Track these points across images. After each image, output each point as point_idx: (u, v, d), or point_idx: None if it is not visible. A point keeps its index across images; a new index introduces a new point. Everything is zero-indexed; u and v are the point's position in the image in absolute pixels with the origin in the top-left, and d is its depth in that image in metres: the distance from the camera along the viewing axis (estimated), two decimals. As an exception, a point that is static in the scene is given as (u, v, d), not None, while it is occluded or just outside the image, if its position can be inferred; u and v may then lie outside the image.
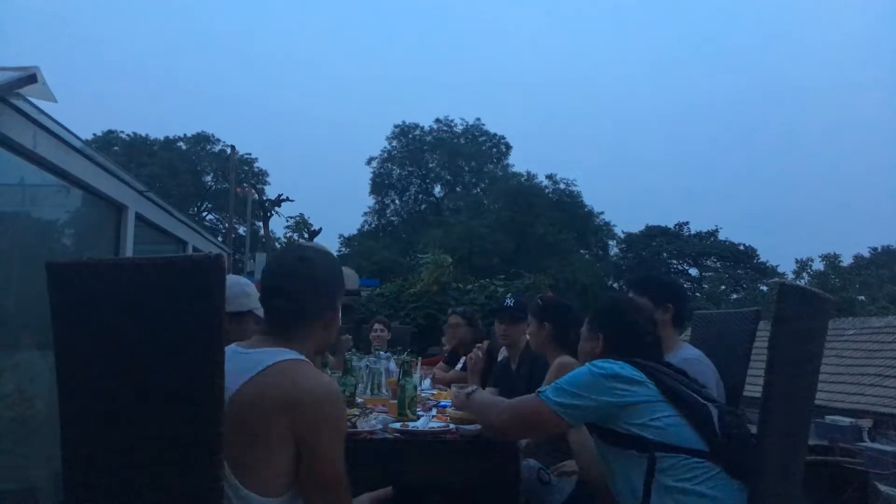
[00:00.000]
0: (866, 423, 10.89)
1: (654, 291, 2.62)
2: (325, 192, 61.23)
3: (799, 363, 1.90)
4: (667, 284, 2.79)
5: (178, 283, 1.36)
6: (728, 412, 1.92)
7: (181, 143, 40.70)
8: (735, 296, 37.45)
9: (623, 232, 41.27)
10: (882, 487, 4.53)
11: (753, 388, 2.99)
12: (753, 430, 1.81)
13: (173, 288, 1.36)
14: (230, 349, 1.54)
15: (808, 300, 1.91)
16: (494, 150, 41.52)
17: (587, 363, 1.99)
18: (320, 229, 26.45)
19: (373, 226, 42.08)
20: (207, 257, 1.36)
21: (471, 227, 32.98)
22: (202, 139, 41.58)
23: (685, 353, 2.60)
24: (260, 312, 1.91)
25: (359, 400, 3.22)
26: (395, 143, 42.06)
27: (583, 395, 1.88)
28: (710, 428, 1.84)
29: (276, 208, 29.31)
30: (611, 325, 2.19)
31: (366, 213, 42.54)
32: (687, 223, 40.97)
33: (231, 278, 2.55)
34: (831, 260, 40.34)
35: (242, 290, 2.45)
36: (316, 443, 1.53)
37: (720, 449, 1.81)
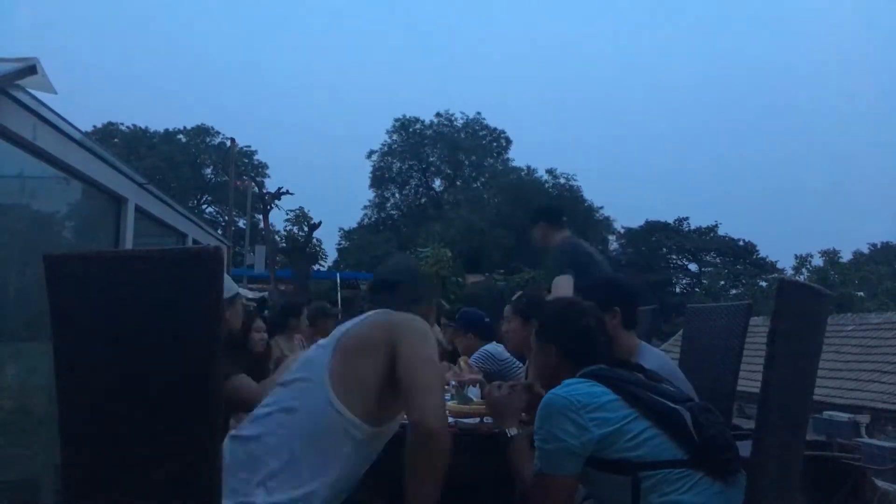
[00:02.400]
0: (864, 418, 10.92)
1: (600, 296, 2.60)
2: (325, 185, 61.09)
3: (797, 359, 1.90)
4: (611, 287, 2.75)
5: (176, 276, 1.36)
6: (701, 410, 1.89)
7: (181, 136, 40.61)
8: (734, 291, 37.41)
9: (623, 227, 41.28)
10: (879, 483, 4.54)
11: (748, 382, 2.99)
12: (749, 424, 1.81)
13: (171, 280, 1.36)
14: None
15: (807, 296, 1.92)
16: (495, 144, 41.45)
17: (547, 398, 1.90)
18: (320, 223, 26.39)
19: (373, 219, 42.02)
20: (206, 249, 1.36)
21: (471, 221, 32.97)
22: (202, 131, 41.50)
23: (647, 355, 2.58)
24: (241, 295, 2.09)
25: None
26: (395, 136, 42.01)
27: (566, 441, 1.82)
28: (686, 434, 1.81)
29: (276, 201, 29.30)
30: (562, 334, 2.13)
31: (366, 207, 42.52)
32: (687, 218, 40.95)
33: None
34: (830, 256, 40.31)
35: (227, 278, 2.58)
36: (409, 349, 1.80)
37: (699, 454, 1.79)
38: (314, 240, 29.96)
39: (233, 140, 28.30)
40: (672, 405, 1.86)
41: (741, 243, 39.91)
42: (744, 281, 38.34)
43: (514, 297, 3.92)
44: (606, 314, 2.55)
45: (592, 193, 46.21)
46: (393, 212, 42.69)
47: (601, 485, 1.89)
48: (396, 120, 42.00)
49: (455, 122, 41.74)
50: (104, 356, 1.41)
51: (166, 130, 40.13)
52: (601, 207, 39.49)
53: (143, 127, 39.25)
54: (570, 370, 2.05)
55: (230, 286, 2.59)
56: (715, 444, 1.82)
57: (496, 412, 2.27)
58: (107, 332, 1.40)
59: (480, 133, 41.20)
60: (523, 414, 2.32)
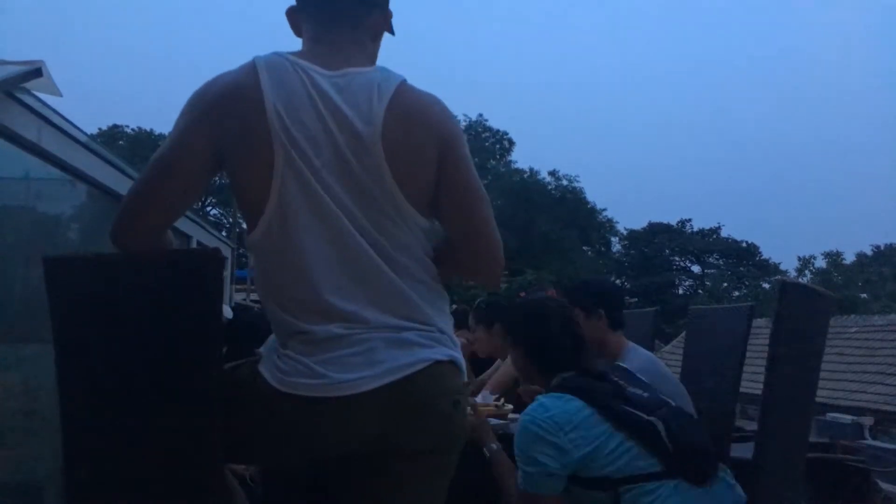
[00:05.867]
0: (868, 420, 10.90)
1: (584, 300, 2.60)
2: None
3: (800, 361, 1.91)
4: (593, 290, 2.75)
5: (175, 278, 1.36)
6: (674, 416, 1.88)
7: (185, 138, 40.61)
8: (737, 293, 37.39)
9: (626, 229, 41.26)
10: (883, 485, 4.55)
11: (750, 384, 3.00)
12: (753, 426, 1.82)
13: (171, 283, 1.36)
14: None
15: (809, 298, 1.92)
16: (497, 146, 41.47)
17: (525, 421, 1.89)
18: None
19: (376, 221, 41.95)
20: (205, 252, 1.36)
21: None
22: (206, 134, 41.52)
23: (633, 356, 2.57)
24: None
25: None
26: (398, 138, 41.84)
27: (546, 465, 1.82)
28: (660, 445, 1.80)
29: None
30: (526, 338, 2.13)
31: (369, 209, 42.42)
32: (690, 220, 40.97)
33: None
34: (834, 257, 40.29)
35: None
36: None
37: (674, 463, 1.79)
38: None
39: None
40: (645, 417, 1.84)
41: (744, 245, 39.89)
42: (747, 283, 38.32)
43: (474, 306, 3.87)
44: (592, 317, 2.56)
45: (595, 195, 46.19)
46: (396, 213, 42.60)
47: (582, 500, 1.88)
48: (400, 121, 41.90)
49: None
50: (105, 358, 1.42)
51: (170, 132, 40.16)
52: (604, 209, 39.52)
53: (148, 129, 39.41)
54: (540, 373, 2.06)
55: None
56: (689, 451, 1.81)
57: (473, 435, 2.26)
58: (107, 335, 1.41)
59: (483, 135, 41.25)
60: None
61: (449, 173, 1.41)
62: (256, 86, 1.32)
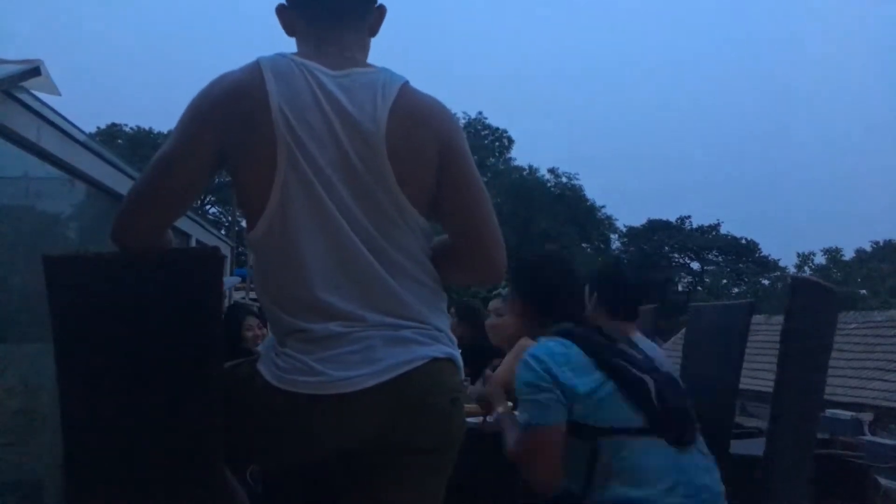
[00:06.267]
0: (867, 416, 10.91)
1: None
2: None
3: (810, 357, 1.91)
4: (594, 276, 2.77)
5: (175, 277, 1.37)
6: (667, 382, 1.89)
7: (184, 137, 40.62)
8: (736, 289, 37.44)
9: (625, 226, 41.24)
10: (882, 481, 4.55)
11: (749, 380, 2.99)
12: (751, 423, 1.82)
13: (171, 282, 1.37)
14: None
15: (819, 293, 1.92)
16: (497, 143, 41.48)
17: (527, 353, 1.90)
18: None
19: (375, 219, 41.98)
20: (204, 251, 1.36)
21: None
22: (205, 132, 41.51)
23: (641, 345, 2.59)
24: None
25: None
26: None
27: (549, 388, 1.81)
28: (648, 403, 1.81)
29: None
30: (524, 286, 2.14)
31: (368, 207, 42.45)
32: (689, 217, 40.88)
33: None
34: (833, 254, 40.33)
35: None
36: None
37: (658, 422, 1.80)
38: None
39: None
40: (638, 374, 1.86)
41: (743, 241, 39.87)
42: (746, 279, 38.36)
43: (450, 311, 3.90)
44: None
45: (594, 192, 46.18)
46: (395, 211, 42.63)
47: None
48: (398, 119, 41.91)
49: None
50: (105, 357, 1.42)
51: (170, 131, 39.78)
52: (603, 206, 39.53)
53: (147, 128, 39.37)
54: (538, 325, 2.05)
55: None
56: (675, 415, 1.83)
57: (485, 403, 2.29)
58: (107, 334, 1.41)
59: (482, 133, 41.25)
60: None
61: (450, 173, 1.42)
62: (261, 85, 1.33)
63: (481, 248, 1.45)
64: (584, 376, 1.82)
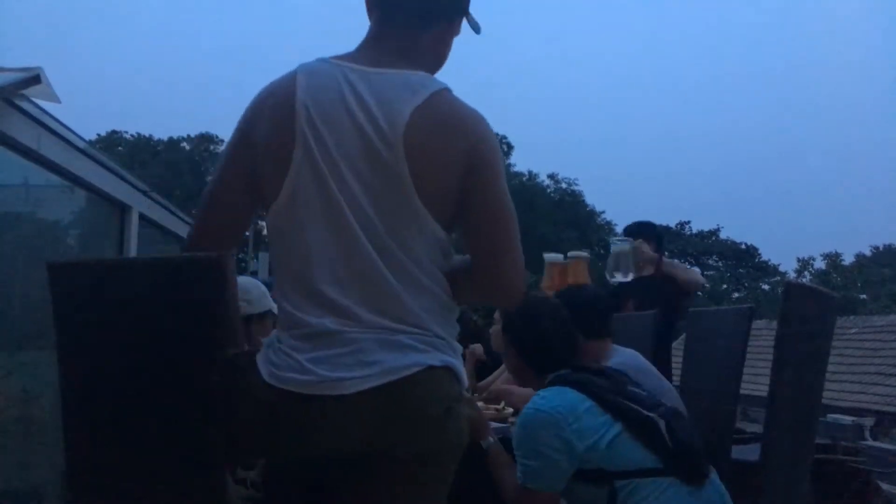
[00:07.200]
0: (868, 421, 10.90)
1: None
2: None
3: (806, 362, 1.91)
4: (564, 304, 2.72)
5: (180, 284, 1.37)
6: (673, 415, 1.88)
7: (185, 144, 40.67)
8: (736, 294, 37.39)
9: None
10: (884, 486, 4.55)
11: (752, 386, 2.99)
12: (754, 428, 1.82)
13: (175, 289, 1.37)
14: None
15: (814, 298, 1.92)
16: (496, 149, 41.46)
17: (528, 413, 1.87)
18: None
19: (375, 225, 42.01)
20: (209, 258, 1.36)
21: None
22: (206, 139, 41.53)
23: (620, 358, 2.56)
24: (276, 311, 1.87)
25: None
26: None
27: (552, 457, 1.79)
28: (660, 441, 1.80)
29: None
30: (518, 336, 2.12)
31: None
32: (688, 222, 40.89)
33: (248, 280, 2.66)
34: (833, 259, 40.30)
35: (262, 292, 2.51)
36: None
37: (673, 461, 1.79)
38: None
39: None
40: (646, 413, 1.84)
41: (743, 246, 39.88)
42: (746, 284, 38.33)
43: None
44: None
45: (594, 198, 46.24)
46: (395, 217, 42.66)
47: (577, 494, 1.87)
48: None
49: (456, 128, 41.74)
50: (108, 364, 1.42)
51: (170, 138, 40.15)
52: (603, 212, 39.55)
53: (146, 135, 39.41)
54: (535, 374, 2.05)
55: (263, 302, 2.48)
56: (688, 450, 1.81)
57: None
58: (111, 340, 1.41)
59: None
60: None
61: (474, 184, 1.39)
62: (291, 84, 1.37)
63: (499, 269, 1.42)
64: (589, 421, 1.80)
